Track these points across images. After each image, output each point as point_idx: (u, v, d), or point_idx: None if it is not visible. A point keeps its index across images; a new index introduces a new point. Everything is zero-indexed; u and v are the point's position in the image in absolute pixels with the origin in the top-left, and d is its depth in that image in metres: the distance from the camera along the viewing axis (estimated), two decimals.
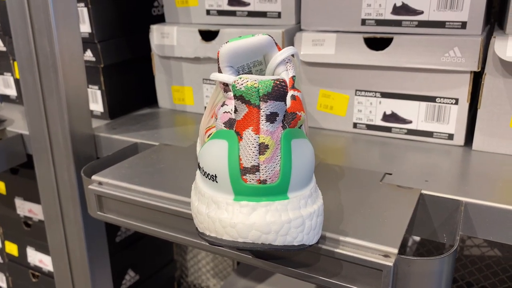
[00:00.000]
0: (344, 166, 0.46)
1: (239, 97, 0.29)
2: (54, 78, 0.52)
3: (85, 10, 0.60)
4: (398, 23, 0.51)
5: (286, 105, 0.30)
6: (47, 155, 0.56)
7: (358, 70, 0.53)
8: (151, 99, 0.72)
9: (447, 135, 0.51)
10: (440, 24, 0.49)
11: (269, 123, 0.29)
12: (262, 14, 0.58)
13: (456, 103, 0.49)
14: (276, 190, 0.30)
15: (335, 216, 0.36)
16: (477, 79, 0.49)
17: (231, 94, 0.36)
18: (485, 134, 0.48)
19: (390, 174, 0.44)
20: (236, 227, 0.29)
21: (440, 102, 0.50)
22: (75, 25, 0.53)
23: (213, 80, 0.62)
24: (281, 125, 0.30)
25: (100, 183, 0.44)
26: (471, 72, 0.48)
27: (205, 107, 0.64)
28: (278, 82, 0.29)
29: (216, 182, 0.31)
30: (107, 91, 0.65)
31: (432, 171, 0.44)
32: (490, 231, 0.38)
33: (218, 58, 0.37)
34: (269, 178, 0.30)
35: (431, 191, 0.40)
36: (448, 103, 0.50)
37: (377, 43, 0.52)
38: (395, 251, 0.32)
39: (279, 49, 0.38)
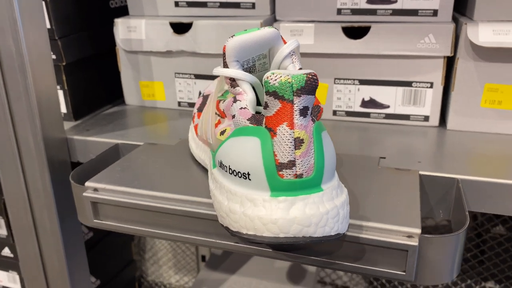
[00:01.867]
0: (338, 153, 0.47)
1: (272, 93, 0.29)
2: (22, 80, 0.48)
3: (43, 4, 0.56)
4: (373, 12, 0.53)
5: (315, 98, 0.30)
6: (15, 164, 0.52)
7: (336, 59, 0.54)
8: (115, 96, 0.69)
9: (423, 117, 0.54)
10: (413, 12, 0.51)
11: (302, 117, 0.30)
12: (235, 5, 0.58)
13: (431, 86, 0.53)
14: (311, 183, 0.30)
15: (351, 203, 0.38)
16: (449, 63, 0.52)
17: (239, 89, 0.35)
18: (458, 114, 0.52)
19: (384, 158, 0.46)
20: (278, 223, 0.29)
21: (416, 87, 0.53)
22: (41, 21, 0.49)
23: (186, 74, 0.61)
24: (311, 118, 0.30)
25: (95, 190, 0.42)
26: (444, 57, 0.51)
27: (179, 102, 0.63)
28: (310, 76, 0.29)
29: (249, 179, 0.31)
30: (70, 91, 0.61)
31: (420, 152, 0.47)
32: (483, 204, 0.42)
33: (224, 53, 0.36)
34: (305, 172, 0.30)
35: (427, 172, 0.42)
36: (424, 87, 0.53)
37: (354, 32, 0.53)
38: (418, 231, 0.33)
39: (284, 42, 0.38)
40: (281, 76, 0.29)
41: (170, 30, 0.58)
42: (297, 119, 0.29)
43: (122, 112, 0.63)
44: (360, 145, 0.50)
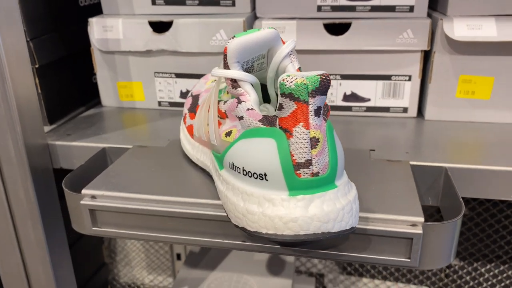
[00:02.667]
0: None
1: (288, 95, 0.30)
2: (0, 85, 0.46)
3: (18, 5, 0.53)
4: (352, 9, 0.54)
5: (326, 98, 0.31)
6: None
7: (319, 55, 0.56)
8: (89, 98, 0.67)
9: (402, 108, 0.57)
10: (391, 8, 0.53)
11: (316, 117, 0.30)
12: (215, 3, 0.57)
13: (409, 79, 0.55)
14: (327, 181, 0.31)
15: None
16: (426, 57, 0.55)
17: (241, 90, 0.36)
18: (436, 105, 0.55)
19: (374, 150, 0.48)
20: (298, 221, 0.30)
21: (395, 80, 0.55)
22: (18, 22, 0.46)
23: (166, 73, 0.60)
24: (323, 117, 0.31)
25: (93, 197, 0.41)
26: (421, 51, 0.53)
27: (159, 102, 0.62)
28: (324, 77, 0.30)
29: (266, 180, 0.31)
30: (43, 94, 0.58)
31: (405, 143, 0.49)
32: (468, 189, 0.44)
33: (225, 54, 0.36)
34: (321, 170, 0.31)
35: (416, 162, 0.45)
36: (402, 80, 0.55)
37: (335, 28, 0.55)
38: (422, 219, 0.35)
39: (283, 42, 0.38)
40: (296, 78, 0.29)
41: (150, 29, 0.57)
42: (312, 119, 0.30)
43: (101, 114, 0.61)
44: (346, 139, 0.51)
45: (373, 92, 0.56)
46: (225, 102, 0.38)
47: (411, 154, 0.47)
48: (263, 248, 0.38)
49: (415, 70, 0.54)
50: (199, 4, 0.58)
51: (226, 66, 0.36)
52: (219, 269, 0.87)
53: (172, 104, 0.61)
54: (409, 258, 0.36)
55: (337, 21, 0.54)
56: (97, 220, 0.41)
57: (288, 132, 0.30)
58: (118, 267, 1.12)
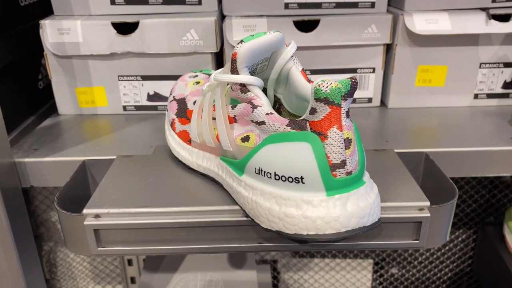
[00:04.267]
0: None
1: (323, 99, 0.31)
2: None
3: None
4: (318, 6, 0.56)
5: None
6: None
7: None
8: (38, 106, 0.61)
9: (367, 99, 0.60)
10: (354, 5, 0.56)
11: (347, 118, 0.32)
12: (181, 1, 0.56)
13: (373, 71, 0.59)
14: (358, 178, 0.33)
15: None
16: (387, 49, 0.59)
17: (251, 94, 0.36)
18: (398, 94, 0.59)
19: None
20: (339, 220, 0.32)
21: (360, 72, 0.59)
22: None
23: (131, 76, 0.57)
24: (350, 118, 0.33)
25: (97, 216, 0.38)
26: (384, 44, 0.57)
27: (124, 107, 0.59)
28: (353, 81, 0.31)
29: (303, 183, 0.32)
30: None
31: (381, 132, 0.53)
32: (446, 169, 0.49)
33: (234, 60, 0.36)
34: (354, 169, 0.32)
35: (400, 149, 0.48)
36: (367, 72, 0.59)
37: (304, 25, 0.56)
38: (428, 203, 0.39)
39: (286, 45, 0.39)
40: (331, 83, 0.30)
41: (113, 31, 0.54)
42: (344, 121, 0.31)
43: (61, 124, 0.56)
44: None
45: None
46: (233, 107, 0.37)
47: (390, 142, 0.50)
48: (281, 247, 0.39)
49: (379, 63, 0.58)
50: (163, 3, 0.55)
51: (234, 71, 0.36)
52: (182, 270, 0.85)
53: (139, 108, 0.59)
54: (417, 240, 0.39)
55: (306, 18, 0.55)
56: (101, 240, 0.39)
57: (322, 135, 0.31)
58: (60, 281, 1.05)
